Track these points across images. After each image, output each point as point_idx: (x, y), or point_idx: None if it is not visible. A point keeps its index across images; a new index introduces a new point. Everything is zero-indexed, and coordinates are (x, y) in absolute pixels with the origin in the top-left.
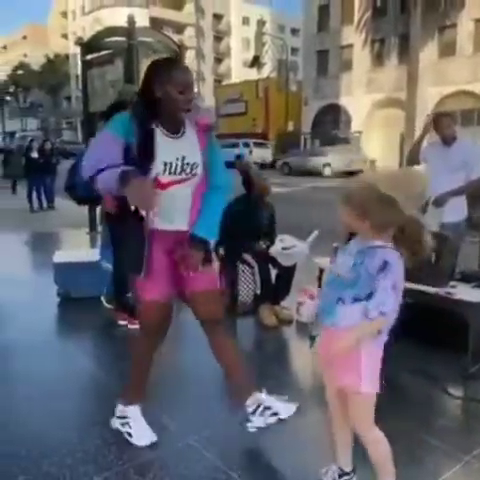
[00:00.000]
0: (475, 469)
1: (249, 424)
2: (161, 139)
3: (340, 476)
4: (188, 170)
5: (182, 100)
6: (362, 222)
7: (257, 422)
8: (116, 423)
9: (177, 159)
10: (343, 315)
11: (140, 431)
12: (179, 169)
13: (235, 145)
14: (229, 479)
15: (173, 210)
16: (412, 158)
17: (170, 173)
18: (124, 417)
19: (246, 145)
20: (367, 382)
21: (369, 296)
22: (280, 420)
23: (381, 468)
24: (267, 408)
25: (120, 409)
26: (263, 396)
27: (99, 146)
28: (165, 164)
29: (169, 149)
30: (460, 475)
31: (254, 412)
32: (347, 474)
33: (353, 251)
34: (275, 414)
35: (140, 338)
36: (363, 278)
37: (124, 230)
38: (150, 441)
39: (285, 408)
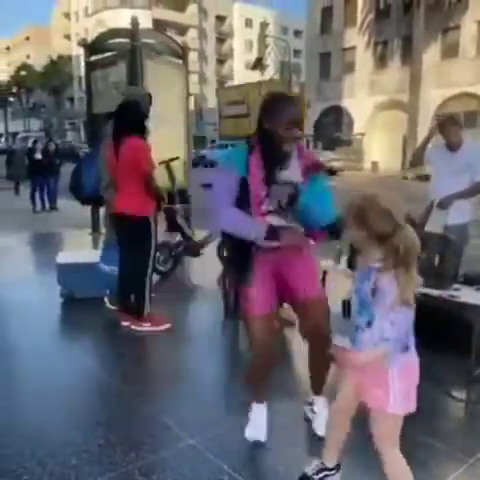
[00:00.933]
0: (479, 472)
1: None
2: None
3: (320, 471)
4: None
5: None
6: (361, 231)
7: (306, 411)
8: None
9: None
10: (361, 342)
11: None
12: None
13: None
14: None
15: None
16: (416, 159)
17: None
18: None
19: None
20: (395, 402)
21: (369, 323)
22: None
23: None
24: (312, 411)
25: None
26: (321, 402)
27: (222, 188)
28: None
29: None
30: (464, 477)
31: (309, 404)
32: (328, 470)
33: (358, 275)
34: (311, 421)
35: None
36: (367, 303)
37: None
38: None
39: (319, 427)
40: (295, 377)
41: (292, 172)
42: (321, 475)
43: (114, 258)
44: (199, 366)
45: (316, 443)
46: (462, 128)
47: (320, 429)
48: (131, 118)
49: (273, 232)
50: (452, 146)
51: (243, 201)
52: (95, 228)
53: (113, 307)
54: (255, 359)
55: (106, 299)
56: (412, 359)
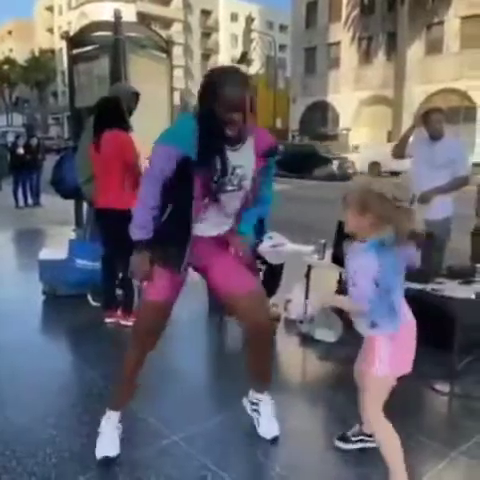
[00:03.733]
0: (461, 465)
1: (245, 401)
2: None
3: (359, 434)
4: (235, 181)
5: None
6: (363, 217)
7: (248, 409)
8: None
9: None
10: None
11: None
12: (228, 180)
13: None
14: (216, 476)
15: (217, 218)
16: (398, 151)
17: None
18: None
19: None
20: (381, 366)
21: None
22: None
23: (390, 466)
24: (257, 412)
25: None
26: (265, 401)
27: (158, 161)
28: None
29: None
30: (447, 471)
31: (252, 403)
32: (367, 435)
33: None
34: (257, 422)
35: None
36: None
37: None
38: (107, 455)
39: (265, 429)
40: (278, 371)
41: (244, 156)
42: (358, 438)
43: (95, 253)
44: (182, 363)
45: (300, 437)
46: (445, 118)
47: (268, 433)
48: (111, 112)
49: (139, 250)
50: (434, 134)
51: (181, 186)
52: (79, 224)
53: (96, 304)
54: (132, 347)
55: (89, 296)
56: (405, 324)
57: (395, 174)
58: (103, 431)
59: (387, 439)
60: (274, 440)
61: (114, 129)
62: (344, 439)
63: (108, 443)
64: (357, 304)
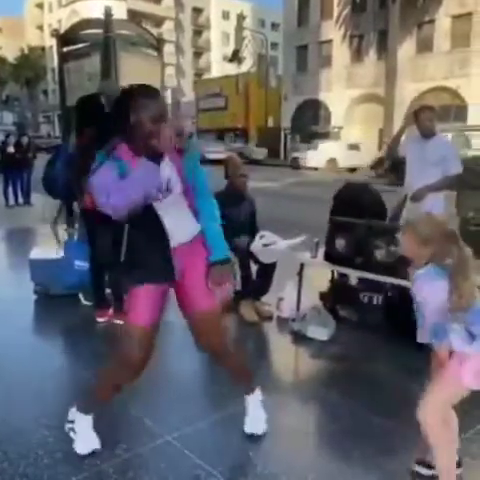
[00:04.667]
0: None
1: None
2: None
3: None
4: (164, 186)
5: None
6: (424, 247)
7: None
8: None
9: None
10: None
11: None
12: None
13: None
14: (209, 476)
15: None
16: (391, 151)
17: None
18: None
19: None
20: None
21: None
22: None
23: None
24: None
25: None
26: (251, 401)
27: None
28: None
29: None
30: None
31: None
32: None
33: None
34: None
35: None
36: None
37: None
38: (90, 449)
39: (252, 425)
40: (271, 369)
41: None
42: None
43: (85, 254)
44: (176, 363)
45: (293, 435)
46: (436, 116)
47: (255, 428)
48: (91, 111)
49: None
50: (426, 132)
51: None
52: (70, 223)
53: (88, 303)
54: (116, 371)
55: (81, 295)
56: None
57: (352, 170)
58: (80, 430)
59: (444, 443)
60: (259, 437)
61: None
62: (424, 464)
63: (88, 438)
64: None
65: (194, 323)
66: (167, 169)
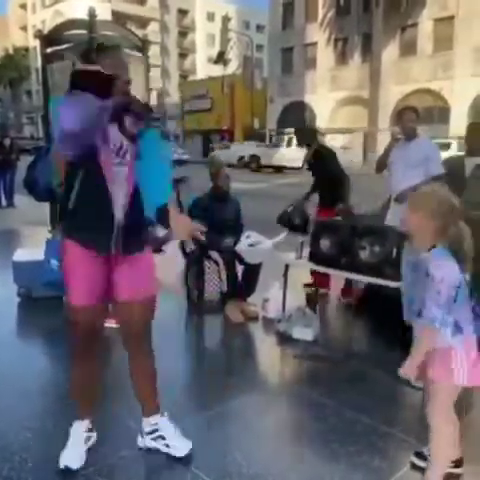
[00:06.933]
0: None
1: (140, 440)
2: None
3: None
4: (121, 153)
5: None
6: (432, 222)
7: (148, 443)
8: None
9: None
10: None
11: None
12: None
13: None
14: (195, 477)
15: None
16: (380, 166)
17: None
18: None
19: None
20: (459, 375)
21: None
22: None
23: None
24: (161, 437)
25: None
26: (162, 422)
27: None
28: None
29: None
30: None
31: (149, 433)
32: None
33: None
34: (167, 446)
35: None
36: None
37: None
38: (68, 465)
39: (179, 447)
40: (257, 370)
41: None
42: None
43: None
44: (162, 364)
45: (277, 437)
46: (419, 117)
47: (183, 450)
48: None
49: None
50: (408, 133)
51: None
52: (54, 225)
53: None
54: (75, 363)
55: (65, 298)
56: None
57: (278, 169)
58: (70, 441)
59: (446, 445)
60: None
61: None
62: (421, 456)
63: (72, 454)
64: (430, 323)
65: (121, 312)
66: (118, 135)
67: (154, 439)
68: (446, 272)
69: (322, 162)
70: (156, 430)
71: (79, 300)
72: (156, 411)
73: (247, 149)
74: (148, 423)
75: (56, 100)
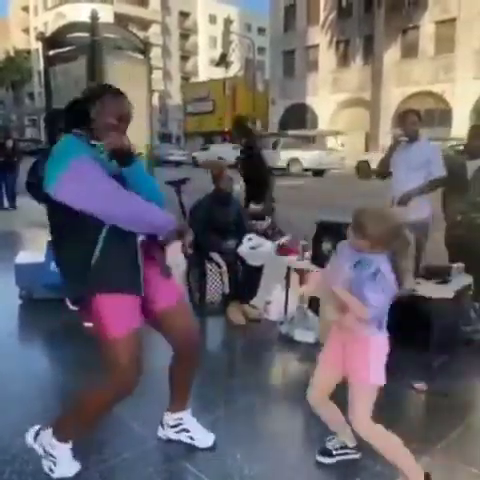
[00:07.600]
0: (438, 462)
1: (161, 430)
2: None
3: (341, 448)
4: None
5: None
6: (375, 247)
7: (171, 436)
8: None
9: None
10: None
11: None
12: None
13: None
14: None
15: None
16: (382, 168)
17: None
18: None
19: None
20: (374, 373)
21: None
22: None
23: (395, 464)
24: (185, 430)
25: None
26: (186, 417)
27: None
28: None
29: None
30: (424, 468)
31: (173, 426)
32: (349, 448)
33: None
34: (191, 438)
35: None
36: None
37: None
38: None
39: (203, 438)
40: (259, 372)
41: None
42: (341, 451)
43: None
44: (163, 366)
45: (279, 438)
46: (420, 120)
47: (204, 443)
48: (70, 115)
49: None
50: (410, 135)
51: None
52: None
53: (75, 308)
54: (112, 393)
55: (67, 300)
56: (385, 337)
57: None
58: (57, 460)
59: (387, 442)
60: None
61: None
62: (326, 453)
63: (63, 469)
64: (367, 308)
65: (169, 319)
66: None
67: (178, 432)
68: (388, 269)
69: (250, 160)
70: (180, 424)
71: (121, 330)
72: (183, 409)
73: (226, 150)
74: (172, 417)
75: (69, 142)
